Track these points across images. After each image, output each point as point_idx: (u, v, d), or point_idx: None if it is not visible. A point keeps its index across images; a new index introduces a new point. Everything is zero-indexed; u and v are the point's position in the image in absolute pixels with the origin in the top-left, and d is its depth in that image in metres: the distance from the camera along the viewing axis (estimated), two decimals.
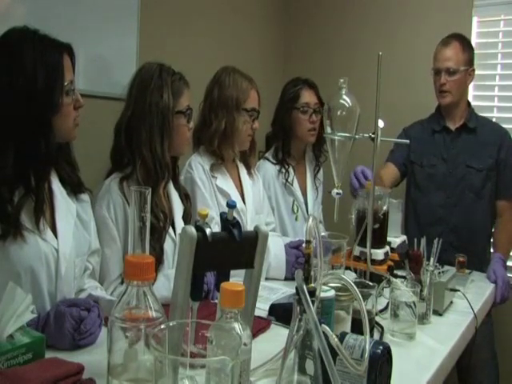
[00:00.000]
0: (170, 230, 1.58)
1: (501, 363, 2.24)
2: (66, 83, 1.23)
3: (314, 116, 2.22)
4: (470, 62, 2.26)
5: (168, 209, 1.61)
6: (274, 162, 2.25)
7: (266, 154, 2.29)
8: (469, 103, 2.37)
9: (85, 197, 1.41)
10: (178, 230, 1.59)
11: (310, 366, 0.83)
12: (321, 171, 2.40)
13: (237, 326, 0.83)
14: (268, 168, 2.24)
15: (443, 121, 2.33)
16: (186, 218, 1.66)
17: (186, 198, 1.70)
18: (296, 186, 2.27)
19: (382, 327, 1.33)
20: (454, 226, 2.23)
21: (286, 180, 2.23)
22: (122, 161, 1.54)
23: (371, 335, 1.20)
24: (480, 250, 2.21)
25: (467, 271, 1.94)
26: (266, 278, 1.75)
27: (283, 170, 2.23)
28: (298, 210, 2.25)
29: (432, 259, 1.53)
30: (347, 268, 1.61)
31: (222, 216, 0.98)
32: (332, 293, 1.13)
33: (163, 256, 1.53)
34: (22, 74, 1.18)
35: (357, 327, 1.09)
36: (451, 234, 2.18)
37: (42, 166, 1.23)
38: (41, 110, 1.19)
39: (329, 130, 1.51)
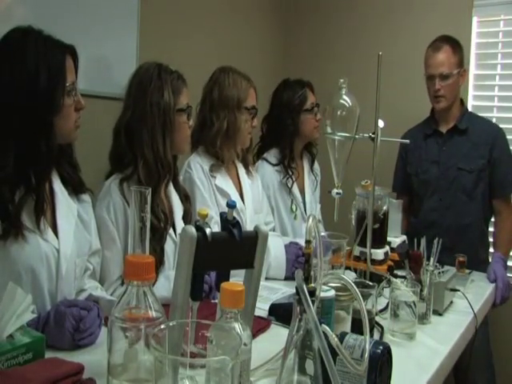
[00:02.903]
0: (171, 230, 1.58)
1: (497, 364, 2.23)
2: (67, 84, 1.23)
3: (318, 114, 2.25)
4: (461, 64, 2.26)
5: (168, 209, 1.61)
6: (273, 163, 2.26)
7: (265, 155, 2.29)
8: (462, 102, 2.36)
9: (86, 197, 1.41)
10: (179, 231, 1.59)
11: (310, 365, 0.84)
12: (316, 164, 2.43)
13: (237, 326, 0.83)
14: (266, 169, 2.25)
15: (435, 124, 2.35)
16: (186, 219, 1.66)
17: (186, 198, 1.70)
18: (294, 186, 2.27)
19: (382, 327, 1.33)
20: (447, 228, 2.23)
21: (287, 185, 2.24)
22: (122, 162, 1.54)
23: (371, 335, 1.20)
24: (473, 251, 2.19)
25: (467, 271, 1.94)
26: (266, 278, 1.75)
27: (287, 176, 2.24)
28: (296, 209, 2.26)
29: (432, 259, 1.53)
30: (347, 268, 1.61)
31: (222, 216, 0.98)
32: (332, 293, 1.13)
33: (164, 257, 1.53)
34: (24, 73, 1.18)
35: (357, 327, 1.10)
36: (444, 237, 2.18)
37: (42, 166, 1.23)
38: (42, 110, 1.19)
39: (329, 129, 1.51)
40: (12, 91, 1.17)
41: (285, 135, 2.24)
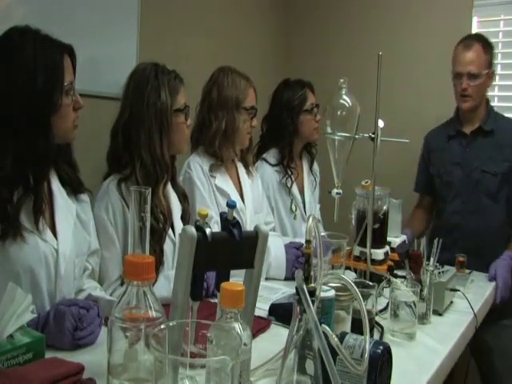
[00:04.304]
0: (169, 230, 1.58)
1: None
2: (65, 84, 1.23)
3: (318, 115, 2.26)
4: (490, 64, 2.20)
5: (167, 209, 1.61)
6: (273, 163, 2.26)
7: (264, 155, 2.29)
8: (488, 103, 2.30)
9: (84, 197, 1.41)
10: (177, 231, 1.59)
11: (310, 365, 0.83)
12: (315, 164, 2.43)
13: (237, 326, 0.83)
14: (266, 169, 2.25)
15: (459, 125, 2.29)
16: (185, 219, 1.66)
17: (185, 198, 1.70)
18: (294, 186, 2.28)
19: (382, 327, 1.33)
20: (470, 232, 2.18)
21: (286, 185, 2.24)
22: (120, 163, 1.53)
23: (371, 335, 1.20)
24: (497, 255, 2.10)
25: (467, 271, 1.93)
26: (266, 278, 1.75)
27: (287, 176, 2.24)
28: (296, 209, 2.26)
29: (432, 259, 1.53)
30: (347, 268, 1.61)
31: (222, 216, 0.98)
32: (332, 293, 1.13)
33: (163, 257, 1.52)
34: (21, 73, 1.17)
35: (357, 327, 1.09)
36: (468, 240, 2.12)
37: (40, 166, 1.22)
38: (40, 109, 1.19)
39: (329, 129, 1.51)
40: (10, 91, 1.17)
41: (284, 135, 2.24)
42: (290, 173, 2.25)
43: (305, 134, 2.28)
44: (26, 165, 1.19)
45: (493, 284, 1.94)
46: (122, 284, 1.46)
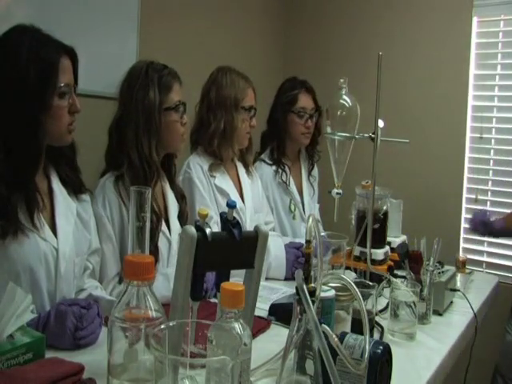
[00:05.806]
0: (165, 229, 1.57)
1: None
2: (61, 84, 1.21)
3: (310, 121, 2.22)
4: None
5: (163, 208, 1.60)
6: (270, 162, 2.26)
7: (262, 156, 2.29)
8: None
9: (85, 196, 1.40)
10: (173, 230, 1.59)
11: (310, 365, 0.84)
12: (315, 169, 2.41)
13: (237, 326, 0.83)
14: (264, 169, 2.24)
15: None
16: (182, 218, 1.65)
17: (182, 197, 1.69)
18: (292, 186, 2.27)
19: (382, 327, 1.33)
20: None
21: (282, 180, 2.23)
22: (116, 162, 1.52)
23: (371, 335, 1.20)
24: None
25: (467, 271, 1.93)
26: (266, 278, 1.75)
27: (280, 170, 2.24)
28: (295, 209, 2.26)
29: (432, 259, 1.53)
30: (347, 268, 1.61)
31: (222, 216, 0.98)
32: (332, 293, 1.13)
33: (158, 255, 1.52)
34: (14, 67, 1.16)
35: (357, 327, 1.09)
36: None
37: (30, 163, 1.21)
38: (30, 106, 1.17)
39: (329, 129, 1.51)
40: (3, 87, 1.16)
41: (275, 130, 2.24)
42: (282, 167, 2.24)
43: (293, 135, 2.25)
44: (17, 161, 1.18)
45: (492, 284, 1.94)
46: (120, 281, 1.46)
